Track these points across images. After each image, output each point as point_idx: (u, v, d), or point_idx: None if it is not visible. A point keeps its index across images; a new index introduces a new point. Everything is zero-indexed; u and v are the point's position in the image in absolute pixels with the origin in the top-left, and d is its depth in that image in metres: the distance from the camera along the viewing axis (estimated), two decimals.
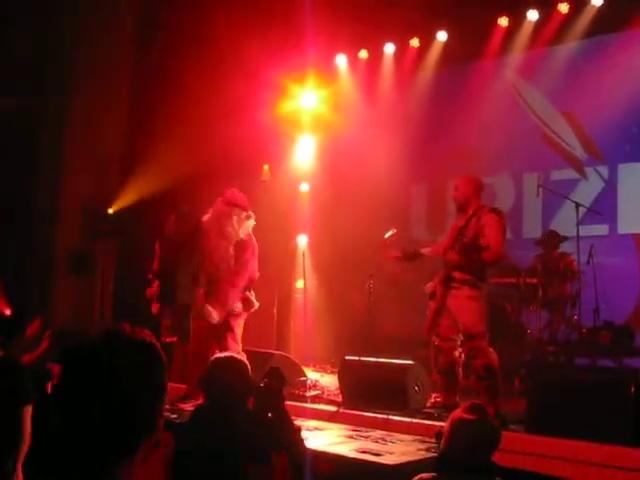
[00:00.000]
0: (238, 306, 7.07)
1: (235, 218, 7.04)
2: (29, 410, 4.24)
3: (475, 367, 6.43)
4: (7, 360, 4.42)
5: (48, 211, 10.90)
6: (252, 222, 7.19)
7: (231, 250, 7.06)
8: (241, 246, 7.09)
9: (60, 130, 11.21)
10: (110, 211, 11.08)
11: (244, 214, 7.09)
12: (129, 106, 11.63)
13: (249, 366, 4.22)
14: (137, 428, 1.66)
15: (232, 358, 4.32)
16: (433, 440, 5.71)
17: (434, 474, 3.46)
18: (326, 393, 7.59)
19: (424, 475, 3.46)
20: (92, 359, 1.65)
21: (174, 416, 6.12)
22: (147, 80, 11.49)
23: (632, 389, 5.44)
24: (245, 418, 3.96)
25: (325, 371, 9.23)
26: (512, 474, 4.99)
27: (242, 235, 7.07)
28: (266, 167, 11.02)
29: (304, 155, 11.50)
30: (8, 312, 6.79)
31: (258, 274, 7.24)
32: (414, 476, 4.91)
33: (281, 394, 4.22)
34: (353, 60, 11.56)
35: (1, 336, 5.36)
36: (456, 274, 6.48)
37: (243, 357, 4.36)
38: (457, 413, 3.56)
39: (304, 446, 4.15)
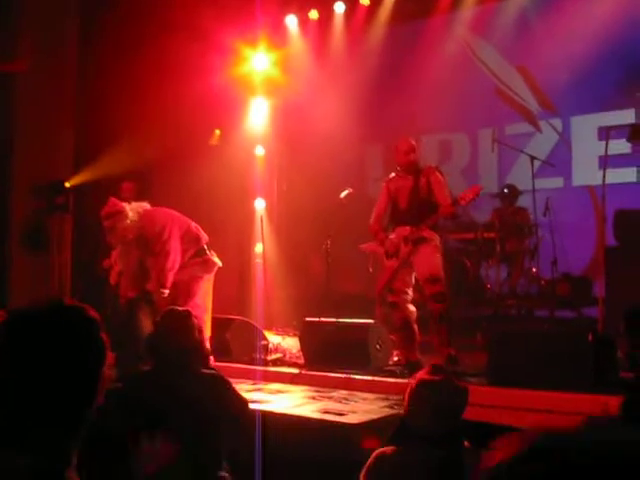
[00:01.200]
0: (196, 270, 6.89)
1: (116, 227, 6.74)
2: None
3: (437, 309, 6.64)
4: None
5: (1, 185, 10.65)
6: (131, 208, 6.81)
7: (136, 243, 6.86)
8: (143, 228, 6.80)
9: (10, 102, 10.94)
10: (67, 184, 10.84)
11: (116, 217, 6.74)
12: (80, 74, 11.37)
13: (195, 322, 4.15)
14: (78, 395, 1.62)
15: (175, 315, 4.20)
16: (395, 397, 5.76)
17: (394, 447, 3.11)
18: (288, 355, 7.55)
19: (385, 449, 3.12)
20: (33, 324, 1.63)
21: None
22: (97, 46, 11.24)
23: (590, 337, 5.49)
24: (192, 380, 3.91)
25: (287, 334, 9.18)
26: (475, 427, 5.02)
27: (131, 223, 6.74)
28: (217, 132, 10.87)
29: (258, 118, 11.36)
30: None
31: (207, 237, 7.02)
32: (377, 434, 4.93)
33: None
34: (304, 21, 11.38)
35: None
36: (425, 232, 6.72)
37: (190, 313, 4.27)
38: (418, 375, 3.24)
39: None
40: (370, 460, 3.12)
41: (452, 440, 3.12)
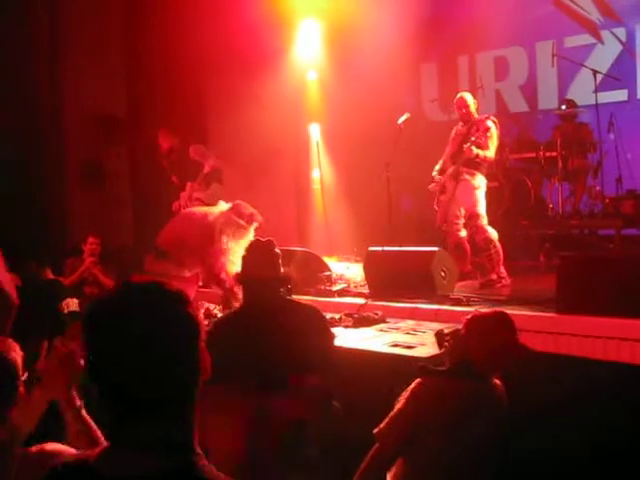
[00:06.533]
0: None
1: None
2: None
3: (476, 242, 7.36)
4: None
5: (53, 121, 10.59)
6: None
7: None
8: None
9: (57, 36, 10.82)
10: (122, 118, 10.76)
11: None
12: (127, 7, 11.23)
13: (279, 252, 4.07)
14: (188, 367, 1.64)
15: (262, 245, 4.06)
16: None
17: (437, 378, 3.46)
18: (352, 285, 7.53)
19: (428, 378, 3.43)
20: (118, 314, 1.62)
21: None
22: None
23: None
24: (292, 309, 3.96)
25: (349, 261, 9.16)
26: (545, 358, 4.97)
27: None
28: None
29: (309, 42, 11.10)
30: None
31: None
32: None
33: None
34: None
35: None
36: (464, 169, 7.34)
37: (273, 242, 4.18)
38: (474, 313, 3.70)
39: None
40: (415, 386, 3.41)
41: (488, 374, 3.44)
